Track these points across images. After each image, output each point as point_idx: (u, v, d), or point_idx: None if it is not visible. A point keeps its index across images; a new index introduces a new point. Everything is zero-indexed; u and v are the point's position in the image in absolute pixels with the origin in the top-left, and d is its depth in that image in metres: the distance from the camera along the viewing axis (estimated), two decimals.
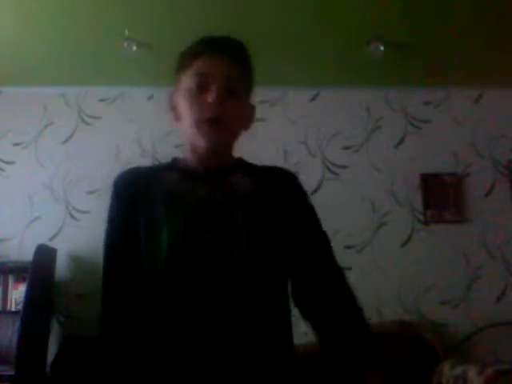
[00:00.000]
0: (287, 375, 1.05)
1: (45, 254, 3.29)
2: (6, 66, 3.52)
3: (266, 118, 3.82)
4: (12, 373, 2.90)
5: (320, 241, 1.17)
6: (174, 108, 1.16)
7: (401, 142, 3.84)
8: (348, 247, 3.63)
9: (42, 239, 3.42)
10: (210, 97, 1.05)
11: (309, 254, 1.14)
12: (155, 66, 3.54)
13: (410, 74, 3.71)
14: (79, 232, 3.57)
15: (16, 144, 3.76)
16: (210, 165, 1.12)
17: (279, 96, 3.87)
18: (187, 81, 1.10)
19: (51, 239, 3.54)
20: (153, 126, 3.77)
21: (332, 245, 1.19)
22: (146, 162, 3.71)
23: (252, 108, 1.20)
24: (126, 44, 3.17)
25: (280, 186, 1.14)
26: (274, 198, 1.10)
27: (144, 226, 1.07)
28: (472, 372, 2.68)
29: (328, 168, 3.77)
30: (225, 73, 1.08)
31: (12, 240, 3.56)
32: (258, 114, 4.08)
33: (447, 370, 2.93)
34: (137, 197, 1.10)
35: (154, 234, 1.05)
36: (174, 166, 1.17)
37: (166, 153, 4.27)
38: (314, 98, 3.89)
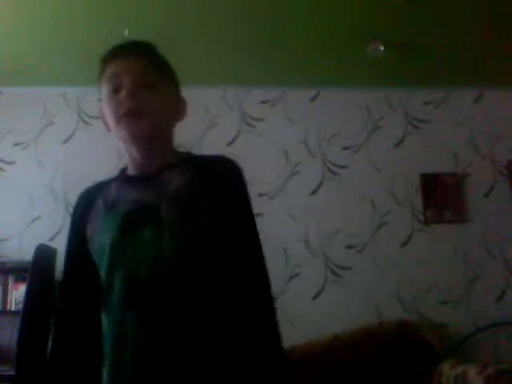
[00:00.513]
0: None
1: (45, 254, 3.29)
2: (5, 66, 3.52)
3: (266, 118, 3.82)
4: (12, 373, 2.90)
5: (247, 250, 1.10)
6: (104, 120, 1.21)
7: (401, 142, 3.84)
8: (348, 247, 3.63)
9: (42, 239, 3.42)
10: (123, 92, 1.09)
11: (233, 262, 1.08)
12: None
13: (410, 74, 3.71)
14: None
15: (16, 144, 3.76)
16: (145, 167, 1.14)
17: (279, 96, 3.87)
18: (104, 88, 1.15)
19: (51, 239, 3.54)
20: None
21: (261, 251, 1.11)
22: None
23: (181, 100, 1.24)
24: None
25: (214, 179, 1.11)
26: (205, 192, 1.08)
27: (89, 238, 1.12)
28: (472, 372, 2.68)
29: (328, 168, 3.77)
30: (134, 69, 1.11)
31: (12, 240, 3.56)
32: (258, 114, 4.08)
33: (447, 369, 2.93)
34: (85, 216, 1.16)
35: (94, 246, 1.10)
36: (119, 176, 1.21)
37: None
38: (314, 98, 3.89)
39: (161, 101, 1.13)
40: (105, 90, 1.15)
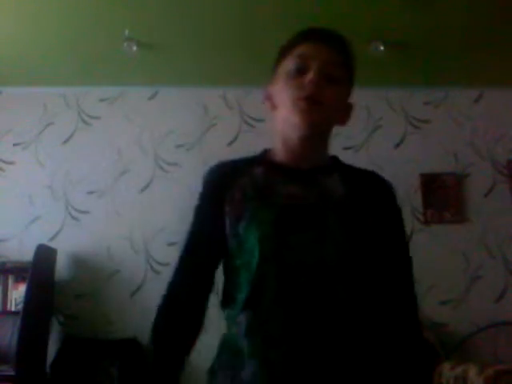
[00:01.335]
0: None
1: (45, 254, 3.29)
2: (6, 66, 3.52)
3: (266, 118, 3.82)
4: (12, 373, 2.90)
5: (401, 263, 1.11)
6: (269, 97, 1.17)
7: (401, 142, 3.84)
8: None
9: (42, 239, 3.42)
10: (309, 77, 1.04)
11: (387, 274, 1.07)
12: (155, 66, 3.54)
13: (410, 74, 3.71)
14: (79, 232, 3.57)
15: (16, 144, 3.76)
16: (301, 159, 1.09)
17: None
18: (287, 64, 1.10)
19: (51, 239, 3.54)
20: (153, 125, 3.77)
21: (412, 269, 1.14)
22: (147, 161, 3.72)
23: (349, 104, 1.19)
24: (125, 44, 3.17)
25: (375, 194, 1.09)
26: (368, 205, 1.06)
27: (230, 220, 1.05)
28: (472, 372, 2.68)
29: None
30: (325, 57, 1.07)
31: (12, 240, 3.56)
32: (258, 114, 4.08)
33: (447, 369, 2.93)
34: (223, 190, 1.08)
35: (239, 231, 1.04)
36: (264, 159, 1.14)
37: (166, 153, 4.25)
38: None
39: (338, 98, 1.10)
40: (286, 66, 1.10)
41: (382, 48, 3.27)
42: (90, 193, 3.61)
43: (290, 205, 1.02)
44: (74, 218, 3.62)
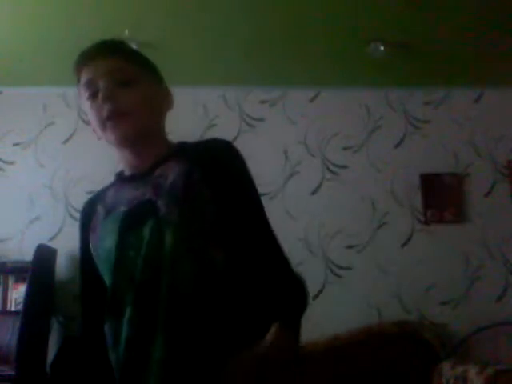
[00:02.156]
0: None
1: (45, 254, 3.29)
2: (5, 66, 3.52)
3: (266, 118, 3.82)
4: (12, 373, 2.90)
5: (250, 216, 1.10)
6: (92, 126, 1.16)
7: (401, 142, 3.84)
8: (348, 247, 3.63)
9: (42, 239, 3.42)
10: (100, 96, 1.07)
11: (239, 235, 1.06)
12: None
13: (410, 74, 3.71)
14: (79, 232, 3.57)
15: (16, 144, 3.76)
16: (140, 165, 1.12)
17: (279, 96, 3.86)
18: (82, 93, 1.13)
19: (51, 239, 3.54)
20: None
21: (262, 213, 1.13)
22: None
23: (164, 91, 1.18)
24: None
25: (208, 164, 1.08)
26: (201, 179, 1.05)
27: (93, 248, 1.12)
28: (472, 372, 2.68)
29: (328, 168, 3.76)
30: (107, 69, 1.09)
31: (12, 240, 3.56)
32: (258, 114, 4.09)
33: (447, 369, 2.93)
34: (88, 225, 1.15)
35: (97, 252, 1.10)
36: (116, 179, 1.19)
37: None
38: (314, 98, 3.89)
39: (141, 96, 1.09)
40: (83, 95, 1.12)
41: (381, 48, 3.27)
42: (90, 193, 3.58)
43: (129, 209, 1.06)
44: (74, 218, 3.62)
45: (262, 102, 3.84)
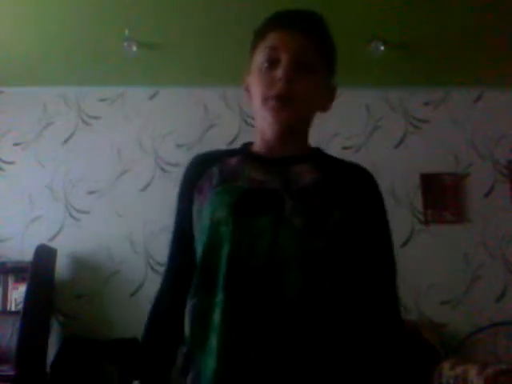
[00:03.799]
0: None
1: (45, 254, 3.29)
2: (5, 66, 3.52)
3: None
4: (12, 373, 2.90)
5: (379, 262, 1.02)
6: (247, 89, 1.13)
7: (401, 142, 3.84)
8: None
9: (42, 239, 3.42)
10: (278, 73, 1.01)
11: (363, 273, 1.00)
12: (155, 66, 3.54)
13: (410, 74, 3.71)
14: (79, 232, 3.57)
15: (16, 144, 3.76)
16: (276, 150, 1.06)
17: None
18: (258, 57, 1.06)
19: (51, 239, 3.54)
20: (153, 125, 3.77)
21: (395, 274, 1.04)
22: (147, 161, 3.72)
23: (332, 87, 1.11)
24: (125, 44, 3.17)
25: (349, 185, 1.02)
26: (337, 196, 0.99)
27: (196, 208, 1.04)
28: (472, 372, 2.68)
29: None
30: (295, 45, 1.02)
31: (12, 240, 3.56)
32: None
33: (447, 369, 2.93)
34: (196, 181, 1.07)
35: (201, 217, 1.02)
36: (243, 150, 1.12)
37: (167, 153, 4.26)
38: None
39: (314, 87, 1.03)
40: (258, 59, 1.06)
41: (382, 48, 3.27)
42: (90, 193, 3.61)
43: (250, 189, 1.00)
44: (74, 217, 3.62)
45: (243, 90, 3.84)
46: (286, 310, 0.92)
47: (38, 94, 3.81)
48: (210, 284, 0.96)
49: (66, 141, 3.77)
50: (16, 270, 3.29)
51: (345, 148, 3.80)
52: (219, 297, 0.94)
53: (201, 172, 1.08)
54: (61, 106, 3.83)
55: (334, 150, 3.79)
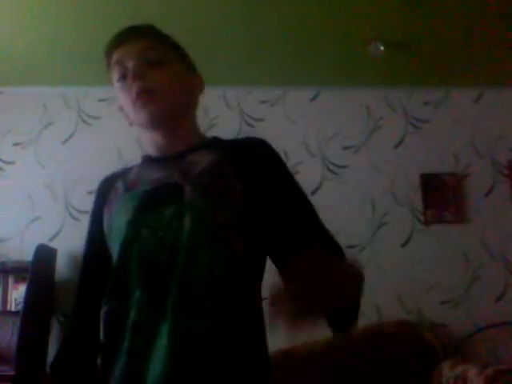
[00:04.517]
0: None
1: (45, 254, 3.29)
2: (5, 66, 3.52)
3: (266, 118, 3.82)
4: (12, 373, 2.90)
5: (296, 201, 1.08)
6: (122, 109, 1.16)
7: (401, 141, 3.84)
8: (348, 247, 3.63)
9: (42, 239, 3.42)
10: (129, 75, 1.07)
11: (284, 217, 1.04)
12: None
13: (410, 74, 3.71)
14: (79, 232, 3.55)
15: (16, 144, 3.76)
16: (167, 148, 1.11)
17: (279, 96, 3.87)
18: (113, 74, 1.13)
19: (51, 239, 3.54)
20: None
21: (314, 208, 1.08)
22: None
23: (195, 75, 1.18)
24: None
25: (244, 156, 1.06)
26: (233, 170, 1.03)
27: (106, 223, 1.09)
28: (472, 372, 2.68)
29: (328, 168, 3.77)
30: (136, 50, 1.09)
31: (12, 240, 3.56)
32: (258, 114, 4.08)
33: (447, 369, 2.93)
34: (105, 198, 1.12)
35: (111, 228, 1.06)
36: (142, 160, 1.18)
37: None
38: (314, 98, 3.89)
39: (170, 74, 1.09)
40: (114, 80, 1.12)
41: (382, 48, 3.27)
42: (90, 193, 3.59)
43: (152, 188, 1.04)
44: (74, 217, 3.62)
45: (262, 101, 3.84)
46: (204, 293, 0.93)
47: (38, 94, 3.81)
48: (124, 286, 0.98)
49: (65, 141, 3.78)
50: (16, 270, 3.29)
51: (345, 148, 3.80)
52: (135, 295, 0.95)
53: (108, 189, 1.14)
54: (61, 105, 3.83)
55: (334, 149, 3.82)
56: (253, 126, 3.79)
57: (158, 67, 1.08)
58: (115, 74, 1.11)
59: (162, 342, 0.91)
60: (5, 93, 3.82)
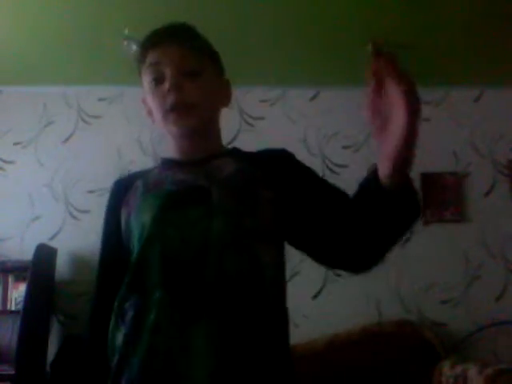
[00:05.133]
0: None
1: (45, 254, 3.29)
2: (5, 66, 3.52)
3: (266, 117, 3.82)
4: (12, 373, 2.90)
5: (319, 185, 1.12)
6: (145, 103, 1.16)
7: None
8: None
9: (42, 239, 3.42)
10: (166, 86, 1.05)
11: (312, 202, 1.07)
12: None
13: (410, 74, 3.71)
14: (79, 232, 3.57)
15: (16, 144, 3.76)
16: (191, 153, 1.11)
17: (279, 95, 3.87)
18: (146, 77, 1.10)
19: (51, 239, 3.54)
20: (152, 125, 3.76)
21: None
22: (147, 161, 3.72)
23: (225, 83, 1.18)
24: (125, 44, 3.17)
25: (270, 165, 1.07)
26: (264, 178, 1.04)
27: (124, 221, 1.07)
28: (472, 371, 2.68)
29: (328, 168, 3.77)
30: (175, 56, 1.06)
31: (12, 240, 3.56)
32: (258, 113, 4.08)
33: (447, 369, 2.93)
34: (123, 196, 1.11)
35: (130, 226, 1.04)
36: (162, 162, 1.17)
37: (167, 152, 4.21)
38: (314, 98, 3.89)
39: (206, 89, 1.08)
40: (146, 80, 1.10)
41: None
42: (90, 192, 3.61)
43: (178, 189, 1.03)
44: (74, 217, 3.62)
45: (262, 101, 3.84)
46: (227, 295, 0.92)
47: (38, 94, 3.81)
48: (143, 284, 0.96)
49: (65, 141, 3.77)
50: (16, 270, 3.29)
51: (345, 147, 3.80)
52: (156, 295, 0.93)
53: (126, 188, 1.11)
54: (61, 105, 3.82)
55: (333, 149, 3.82)
56: (252, 126, 3.79)
57: (194, 78, 1.07)
58: (148, 75, 1.09)
59: (199, 344, 0.89)
60: (5, 92, 3.82)
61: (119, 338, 0.97)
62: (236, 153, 1.14)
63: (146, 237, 0.98)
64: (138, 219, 1.02)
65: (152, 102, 1.09)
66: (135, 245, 1.01)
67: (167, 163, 1.14)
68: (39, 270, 3.18)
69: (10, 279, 3.30)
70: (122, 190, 1.12)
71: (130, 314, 0.96)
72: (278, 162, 1.09)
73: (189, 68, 1.07)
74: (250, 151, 1.16)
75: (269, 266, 0.99)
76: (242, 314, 0.93)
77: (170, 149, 1.16)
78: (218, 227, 0.96)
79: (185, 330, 0.90)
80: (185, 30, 1.13)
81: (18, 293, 3.24)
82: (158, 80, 1.07)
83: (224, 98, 1.16)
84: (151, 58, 1.08)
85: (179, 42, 1.08)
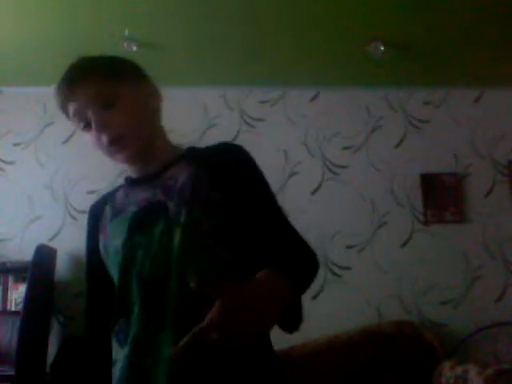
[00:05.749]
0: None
1: (45, 254, 3.29)
2: (5, 66, 3.52)
3: (266, 118, 3.82)
4: (12, 373, 2.90)
5: (266, 211, 1.09)
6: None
7: (401, 142, 3.84)
8: (348, 247, 3.63)
9: (42, 239, 3.42)
10: (93, 127, 1.06)
11: (255, 228, 1.05)
12: (155, 66, 3.54)
13: (410, 74, 3.71)
14: (79, 232, 3.54)
15: (16, 144, 3.76)
16: (145, 169, 1.14)
17: (279, 96, 3.87)
18: (75, 125, 1.13)
19: (51, 239, 3.54)
20: None
21: (280, 209, 1.12)
22: None
23: (150, 89, 1.15)
24: (125, 44, 3.17)
25: (219, 166, 1.08)
26: (212, 180, 1.05)
27: (102, 248, 1.13)
28: (472, 372, 2.68)
29: (328, 168, 3.77)
30: (88, 96, 1.06)
31: (12, 240, 3.56)
32: (258, 114, 4.08)
33: (447, 370, 2.93)
34: (98, 223, 1.17)
35: (108, 252, 1.11)
36: (124, 182, 1.21)
37: None
38: (314, 98, 3.89)
39: (131, 112, 1.08)
40: (79, 129, 1.12)
41: (381, 48, 3.27)
42: (90, 193, 3.60)
43: (140, 209, 1.08)
44: (74, 217, 3.62)
45: (262, 101, 3.84)
46: (189, 302, 0.96)
47: (38, 94, 3.80)
48: (127, 306, 1.03)
49: (65, 141, 3.77)
50: (16, 270, 3.29)
51: (345, 148, 3.80)
52: (135, 313, 1.01)
53: (98, 214, 1.18)
54: None
55: (334, 149, 3.82)
56: (253, 126, 3.79)
57: (115, 107, 1.06)
58: (76, 125, 1.11)
59: (163, 351, 0.96)
60: (5, 92, 3.82)
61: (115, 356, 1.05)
62: (190, 154, 1.14)
63: (122, 264, 1.05)
64: (111, 245, 1.09)
65: (94, 145, 1.11)
66: (114, 270, 1.08)
67: (129, 182, 1.18)
68: (39, 270, 3.18)
69: (10, 280, 3.30)
70: (96, 216, 1.19)
71: (120, 335, 1.04)
72: (228, 161, 1.09)
73: (105, 100, 1.06)
74: (205, 148, 1.16)
75: (229, 262, 1.03)
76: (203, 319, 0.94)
77: (129, 169, 1.19)
78: (178, 239, 1.01)
79: (156, 339, 0.97)
80: (87, 63, 1.10)
81: (17, 293, 3.24)
82: (87, 125, 1.08)
83: (153, 106, 1.14)
84: (70, 109, 1.09)
85: (89, 80, 1.07)
